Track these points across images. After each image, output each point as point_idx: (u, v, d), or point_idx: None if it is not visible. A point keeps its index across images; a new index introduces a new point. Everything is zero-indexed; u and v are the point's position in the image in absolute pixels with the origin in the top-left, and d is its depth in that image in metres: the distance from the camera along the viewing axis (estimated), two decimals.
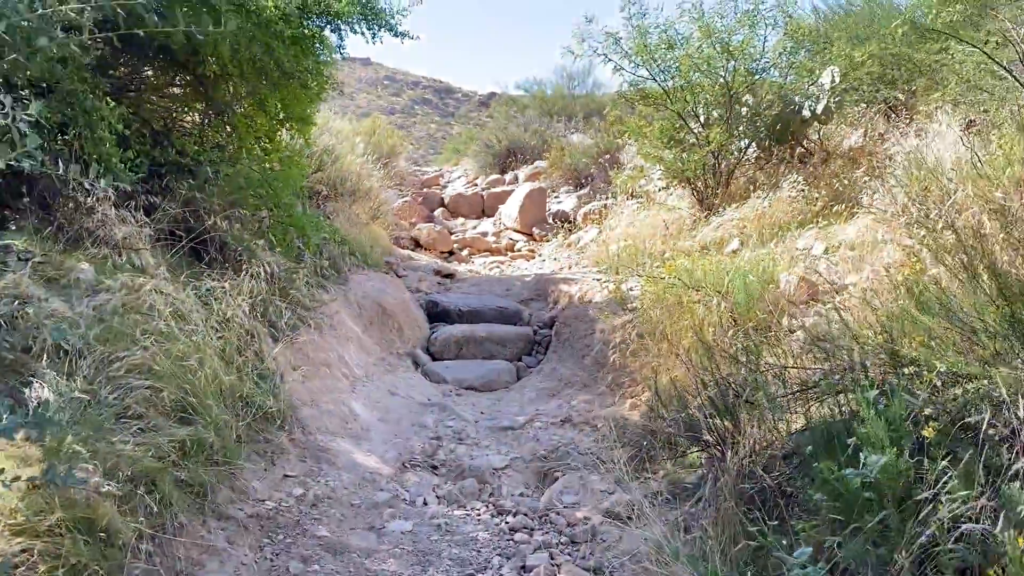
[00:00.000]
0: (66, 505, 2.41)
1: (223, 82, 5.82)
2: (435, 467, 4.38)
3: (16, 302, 3.18)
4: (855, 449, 2.37)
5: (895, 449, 2.23)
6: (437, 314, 6.76)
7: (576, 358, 5.55)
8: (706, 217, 7.28)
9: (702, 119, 7.57)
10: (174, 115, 6.12)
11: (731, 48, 6.99)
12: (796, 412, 3.34)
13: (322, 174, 8.30)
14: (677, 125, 7.66)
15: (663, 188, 8.94)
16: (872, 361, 2.92)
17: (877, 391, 2.41)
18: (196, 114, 6.23)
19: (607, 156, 11.30)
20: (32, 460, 2.56)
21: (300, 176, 6.98)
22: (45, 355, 3.11)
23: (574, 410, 4.91)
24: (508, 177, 14.94)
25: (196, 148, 5.49)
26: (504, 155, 15.88)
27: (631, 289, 6.06)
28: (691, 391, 4.08)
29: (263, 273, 4.92)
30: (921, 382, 2.51)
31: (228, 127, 6.07)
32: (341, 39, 6.19)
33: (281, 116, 6.59)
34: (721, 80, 7.20)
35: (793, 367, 3.51)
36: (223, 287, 4.50)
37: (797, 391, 3.36)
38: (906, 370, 2.63)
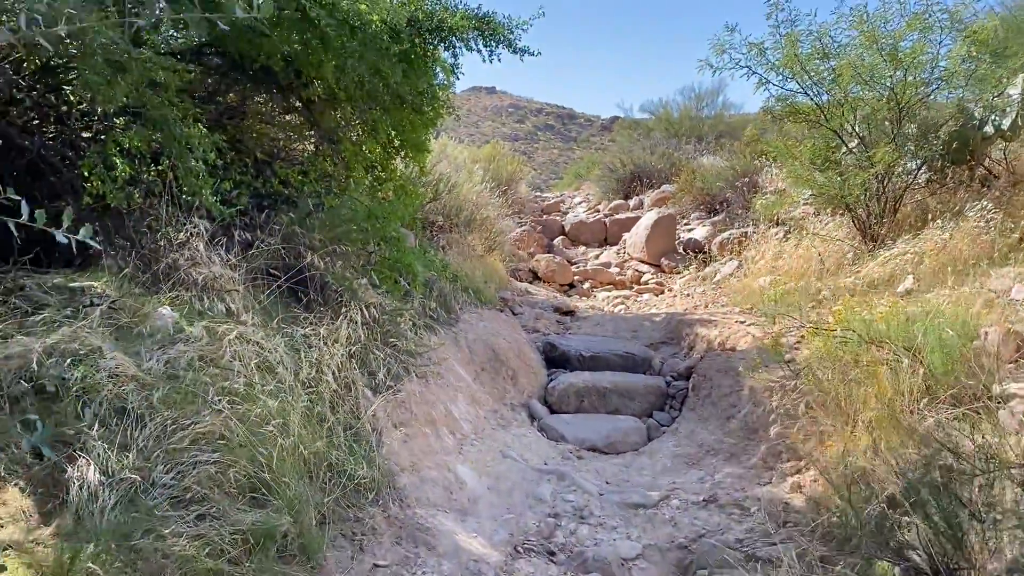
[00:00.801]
0: None
1: (330, 107, 5.45)
2: (552, 553, 3.66)
3: (69, 360, 2.75)
4: None
5: None
6: (555, 359, 6.06)
7: (719, 420, 4.69)
8: (870, 250, 6.24)
9: (861, 136, 6.54)
10: (281, 143, 5.82)
11: (900, 55, 5.95)
12: None
13: (437, 203, 7.85)
14: (833, 144, 6.68)
15: (814, 214, 7.95)
16: None
17: None
18: (305, 142, 5.93)
19: (744, 179, 10.30)
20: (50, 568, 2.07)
21: (413, 206, 6.53)
22: (98, 422, 2.66)
23: (719, 487, 4.07)
24: (632, 202, 14.14)
25: (300, 178, 5.12)
26: (628, 179, 15.10)
27: (785, 335, 5.15)
28: (878, 479, 3.21)
29: (362, 316, 4.42)
30: None
31: (338, 156, 5.69)
32: (456, 58, 5.69)
33: (396, 143, 6.21)
34: (887, 92, 6.17)
35: None
36: (318, 334, 4.02)
37: None
38: None
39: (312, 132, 5.62)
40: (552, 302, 7.92)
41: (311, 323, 4.16)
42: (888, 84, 6.10)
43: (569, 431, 4.97)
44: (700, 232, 10.30)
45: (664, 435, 4.97)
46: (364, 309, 4.56)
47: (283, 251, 4.58)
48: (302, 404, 3.46)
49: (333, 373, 3.91)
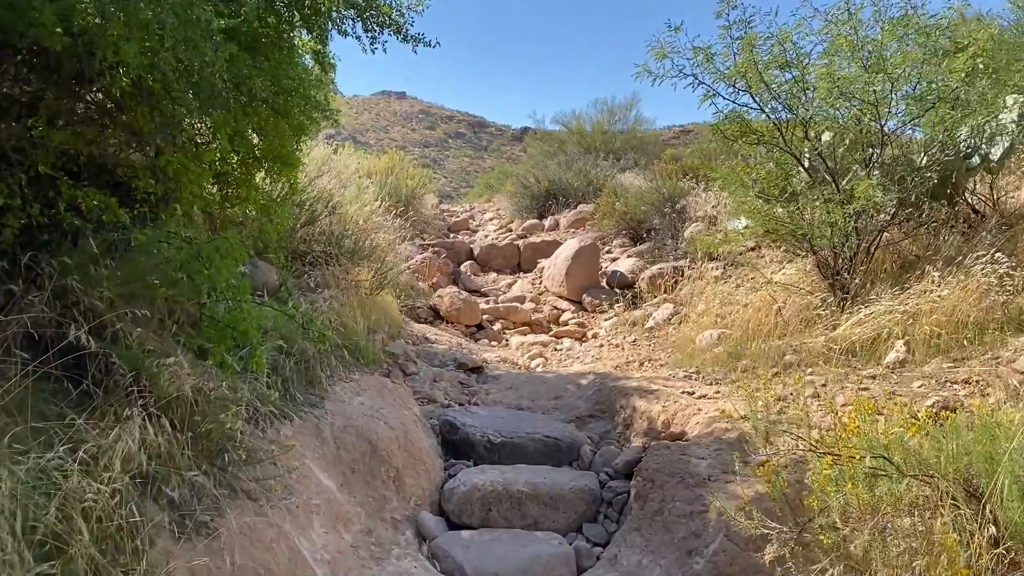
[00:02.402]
0: None
1: (144, 105, 3.94)
2: None
3: None
4: None
5: None
6: (456, 444, 4.63)
7: (676, 553, 3.41)
8: (840, 302, 5.16)
9: (828, 164, 5.47)
10: (84, 153, 4.24)
11: (887, 66, 4.88)
12: None
13: (312, 229, 6.34)
14: (793, 172, 5.61)
15: (752, 248, 6.94)
16: None
17: None
18: (131, 152, 4.40)
19: (673, 205, 9.21)
20: None
21: (270, 235, 5.07)
22: None
23: None
24: (548, 222, 12.96)
25: (96, 203, 3.59)
26: (543, 196, 13.94)
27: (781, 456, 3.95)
28: None
29: (164, 414, 2.97)
30: None
31: (161, 170, 4.17)
32: (323, 44, 4.29)
33: (257, 153, 4.80)
34: (870, 110, 5.11)
35: None
36: (92, 448, 2.57)
37: None
38: None
39: (119, 137, 4.09)
40: (456, 353, 6.49)
41: (79, 430, 2.69)
42: (872, 100, 5.00)
43: (470, 561, 3.58)
44: (625, 264, 9.10)
45: (599, 566, 3.63)
46: (169, 402, 3.11)
47: (54, 316, 3.08)
48: None
49: (98, 517, 2.44)
